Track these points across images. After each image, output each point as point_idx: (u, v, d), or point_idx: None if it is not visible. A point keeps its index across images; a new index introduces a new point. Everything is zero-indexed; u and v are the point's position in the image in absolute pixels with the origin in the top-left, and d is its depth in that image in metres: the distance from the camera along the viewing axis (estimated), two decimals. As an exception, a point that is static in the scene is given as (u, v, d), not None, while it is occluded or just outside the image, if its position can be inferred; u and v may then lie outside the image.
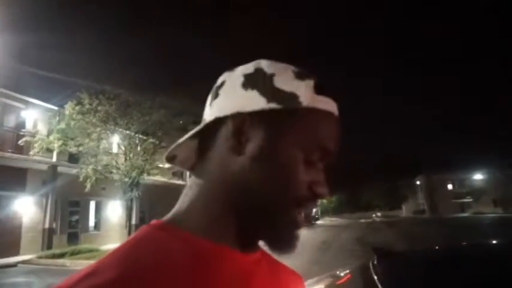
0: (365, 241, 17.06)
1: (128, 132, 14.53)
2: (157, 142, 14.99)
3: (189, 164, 0.56)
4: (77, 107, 13.17)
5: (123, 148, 14.79)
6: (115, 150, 15.57)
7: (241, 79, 0.51)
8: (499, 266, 1.73)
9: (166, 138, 14.59)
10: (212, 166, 0.51)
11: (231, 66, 0.55)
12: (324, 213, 73.19)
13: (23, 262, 12.60)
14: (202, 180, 0.52)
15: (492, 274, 1.60)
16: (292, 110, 0.50)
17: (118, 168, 14.36)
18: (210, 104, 0.54)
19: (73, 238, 17.06)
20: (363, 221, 48.12)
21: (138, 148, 14.80)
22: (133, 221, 17.26)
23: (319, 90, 0.52)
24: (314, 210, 58.16)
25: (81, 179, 13.30)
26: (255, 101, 0.49)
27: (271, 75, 0.51)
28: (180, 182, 22.57)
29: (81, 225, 17.95)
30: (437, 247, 3.07)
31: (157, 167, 16.31)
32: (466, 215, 48.51)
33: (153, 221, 0.50)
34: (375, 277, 1.68)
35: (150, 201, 20.63)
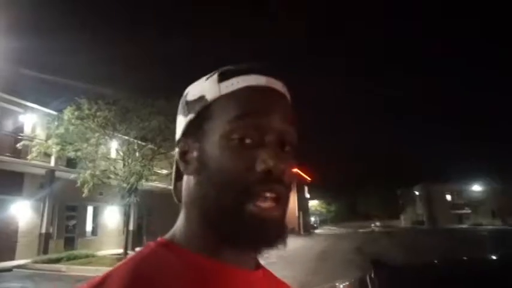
0: (364, 251, 16.96)
1: (126, 137, 14.51)
2: (155, 148, 14.97)
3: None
4: (76, 112, 13.15)
5: (121, 154, 14.76)
6: (113, 155, 15.53)
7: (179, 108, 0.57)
8: (497, 283, 1.72)
9: (164, 144, 14.57)
10: (183, 188, 0.55)
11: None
12: (323, 222, 73.01)
13: (18, 267, 12.52)
14: (183, 201, 0.55)
15: None
16: (202, 111, 0.52)
17: (116, 174, 14.32)
18: None
19: (70, 243, 17.00)
20: (361, 230, 47.98)
21: (137, 154, 14.77)
22: (131, 227, 17.16)
23: (221, 78, 0.53)
24: (313, 219, 58.07)
25: (78, 184, 13.23)
26: (182, 124, 0.55)
27: (186, 95, 0.56)
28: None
29: (78, 230, 17.89)
30: (436, 261, 3.05)
31: (156, 173, 16.27)
32: (464, 226, 48.47)
33: (159, 238, 0.52)
34: None
35: (148, 208, 20.55)
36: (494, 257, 2.83)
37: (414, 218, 61.39)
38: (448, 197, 56.23)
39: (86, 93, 13.84)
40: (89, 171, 13.22)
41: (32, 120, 16.04)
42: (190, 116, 0.53)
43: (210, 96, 0.52)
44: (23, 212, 14.93)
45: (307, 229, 45.29)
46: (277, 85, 0.54)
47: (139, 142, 14.86)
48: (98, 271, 9.78)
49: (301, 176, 49.89)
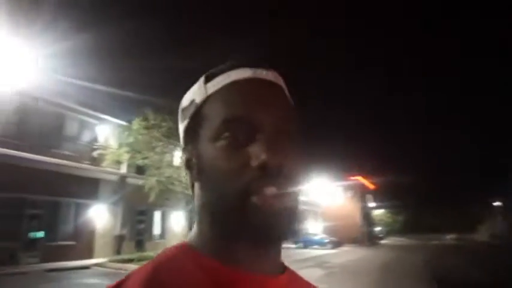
0: (433, 266, 15.87)
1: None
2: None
3: None
4: (143, 123, 14.11)
5: (185, 162, 15.48)
6: (177, 163, 16.35)
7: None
8: None
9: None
10: (195, 194, 0.55)
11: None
12: (390, 232, 69.42)
13: (96, 265, 13.62)
14: (195, 205, 0.55)
15: None
16: (194, 116, 0.52)
17: (180, 181, 15.05)
18: None
19: (139, 245, 18.00)
20: (433, 242, 44.85)
21: (200, 162, 15.37)
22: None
23: (207, 78, 0.53)
24: (378, 229, 55.55)
25: (146, 190, 14.13)
26: (181, 132, 0.56)
27: (181, 103, 0.56)
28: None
29: (147, 233, 18.97)
30: None
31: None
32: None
33: (178, 243, 0.52)
34: None
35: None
36: None
37: (493, 231, 55.90)
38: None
39: (152, 104, 14.84)
40: (155, 178, 14.07)
41: (105, 131, 17.45)
42: (185, 122, 0.54)
43: (198, 99, 0.52)
44: (99, 215, 16.29)
45: (371, 239, 43.48)
46: (267, 75, 0.52)
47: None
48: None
49: (364, 184, 48.14)
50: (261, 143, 0.46)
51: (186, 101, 0.55)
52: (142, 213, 18.63)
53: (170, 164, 15.63)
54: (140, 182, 15.51)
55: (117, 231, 16.34)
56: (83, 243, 15.13)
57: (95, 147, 16.30)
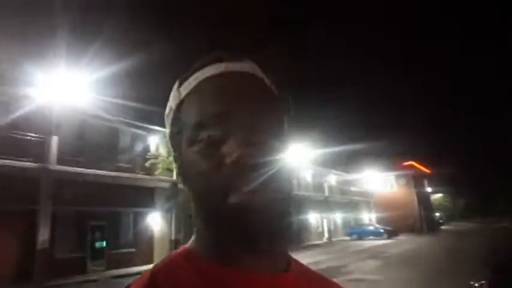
0: (498, 251, 15.01)
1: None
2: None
3: None
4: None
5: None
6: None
7: None
8: None
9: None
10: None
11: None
12: (451, 218, 66.01)
13: (157, 269, 14.42)
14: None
15: None
16: (173, 123, 0.52)
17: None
18: None
19: (193, 250, 18.76)
20: (501, 225, 42.02)
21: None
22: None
23: (180, 82, 0.52)
24: (437, 214, 52.91)
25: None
26: (168, 140, 0.56)
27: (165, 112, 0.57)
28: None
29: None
30: None
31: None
32: None
33: (180, 248, 0.52)
34: None
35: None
36: None
37: None
38: None
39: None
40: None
41: (156, 141, 18.24)
42: (168, 130, 0.54)
43: (174, 105, 0.52)
44: (156, 222, 17.14)
45: (431, 226, 41.60)
46: (243, 66, 0.50)
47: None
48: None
49: (419, 169, 46.20)
50: (232, 139, 0.45)
51: (167, 108, 0.54)
52: (194, 217, 19.25)
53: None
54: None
55: (173, 236, 17.14)
56: (143, 250, 15.98)
57: (147, 157, 17.15)
